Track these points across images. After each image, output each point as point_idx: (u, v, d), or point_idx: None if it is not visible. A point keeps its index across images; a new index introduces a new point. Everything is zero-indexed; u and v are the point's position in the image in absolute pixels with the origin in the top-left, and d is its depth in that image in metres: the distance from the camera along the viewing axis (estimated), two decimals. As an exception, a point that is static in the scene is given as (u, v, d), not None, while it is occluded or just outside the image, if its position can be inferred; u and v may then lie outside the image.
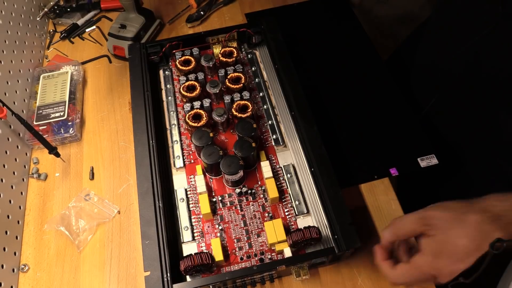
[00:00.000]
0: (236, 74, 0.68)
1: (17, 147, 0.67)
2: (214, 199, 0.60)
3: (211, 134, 0.60)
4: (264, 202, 0.60)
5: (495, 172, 0.62)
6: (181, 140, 0.66)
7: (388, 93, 0.74)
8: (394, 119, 0.71)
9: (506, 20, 0.49)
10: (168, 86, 0.73)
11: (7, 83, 0.69)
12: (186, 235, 0.57)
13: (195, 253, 0.50)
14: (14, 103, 0.69)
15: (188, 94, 0.66)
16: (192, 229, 0.58)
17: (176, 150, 0.65)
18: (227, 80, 0.67)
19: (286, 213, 0.59)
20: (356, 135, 0.69)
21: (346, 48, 0.82)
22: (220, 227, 0.58)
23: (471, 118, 0.63)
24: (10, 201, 0.61)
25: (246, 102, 0.64)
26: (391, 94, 0.74)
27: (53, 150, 0.64)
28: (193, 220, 0.58)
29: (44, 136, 0.64)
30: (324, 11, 0.88)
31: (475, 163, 0.65)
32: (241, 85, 0.67)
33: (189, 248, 0.57)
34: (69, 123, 0.71)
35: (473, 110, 0.61)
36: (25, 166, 0.68)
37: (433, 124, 0.70)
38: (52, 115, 0.71)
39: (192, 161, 0.64)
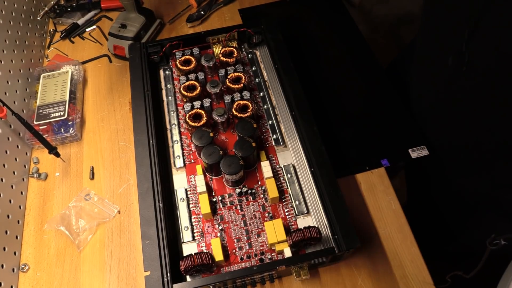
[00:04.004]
0: (236, 74, 0.68)
1: (17, 146, 0.67)
2: (214, 199, 0.60)
3: (211, 134, 0.60)
4: (264, 202, 0.60)
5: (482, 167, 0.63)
6: (181, 140, 0.66)
7: (381, 88, 0.76)
8: (386, 112, 0.73)
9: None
10: (168, 85, 0.73)
11: (7, 82, 0.69)
12: (186, 235, 0.57)
13: (195, 253, 0.50)
14: (14, 102, 0.69)
15: (188, 94, 0.66)
16: (192, 229, 0.58)
17: (176, 150, 0.65)
18: (227, 80, 0.67)
19: (286, 213, 0.59)
20: (350, 128, 0.71)
21: (339, 44, 0.83)
22: (220, 227, 0.58)
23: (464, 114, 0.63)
24: (10, 201, 0.61)
25: (246, 102, 0.64)
26: (384, 89, 0.76)
27: (53, 150, 0.64)
28: (193, 220, 0.58)
29: (44, 136, 0.64)
30: (316, 6, 0.90)
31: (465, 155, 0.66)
32: (241, 85, 0.67)
33: (189, 248, 0.57)
34: (69, 123, 0.71)
35: (465, 105, 0.62)
36: (25, 166, 0.68)
37: (425, 116, 0.71)
38: (52, 115, 0.71)
39: (192, 161, 0.64)
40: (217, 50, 0.73)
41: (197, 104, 0.66)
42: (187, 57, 0.70)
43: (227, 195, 0.60)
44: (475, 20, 0.51)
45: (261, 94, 0.71)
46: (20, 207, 0.64)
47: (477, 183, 0.66)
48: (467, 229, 0.75)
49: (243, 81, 0.67)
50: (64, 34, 0.87)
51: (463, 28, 0.53)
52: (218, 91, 0.66)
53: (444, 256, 0.85)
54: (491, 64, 0.53)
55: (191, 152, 0.65)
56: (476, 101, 0.58)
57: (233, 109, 0.64)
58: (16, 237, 0.61)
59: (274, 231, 0.54)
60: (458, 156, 0.66)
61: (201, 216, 0.58)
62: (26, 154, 0.69)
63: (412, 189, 0.92)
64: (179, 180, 0.62)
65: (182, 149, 0.65)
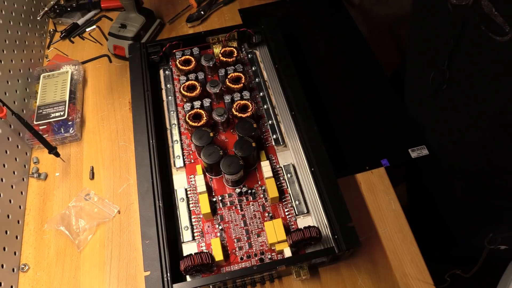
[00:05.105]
0: (236, 73, 0.68)
1: (17, 146, 0.67)
2: (214, 199, 0.60)
3: (211, 134, 0.60)
4: (264, 202, 0.60)
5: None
6: (181, 140, 0.66)
7: (381, 88, 0.76)
8: (386, 112, 0.73)
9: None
10: (168, 85, 0.73)
11: (7, 82, 0.69)
12: (186, 235, 0.57)
13: (195, 253, 0.50)
14: (14, 102, 0.69)
15: (188, 94, 0.66)
16: (192, 229, 0.58)
17: (176, 150, 0.65)
18: (227, 79, 0.67)
19: (286, 213, 0.59)
20: (350, 128, 0.71)
21: (339, 44, 0.83)
22: (220, 227, 0.58)
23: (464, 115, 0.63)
24: (10, 201, 0.61)
25: (246, 102, 0.64)
26: (384, 88, 0.76)
27: (52, 150, 0.64)
28: (193, 220, 0.58)
29: (44, 136, 0.64)
30: (316, 6, 0.90)
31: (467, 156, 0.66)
32: (241, 84, 0.67)
33: (189, 248, 0.57)
34: (69, 123, 0.71)
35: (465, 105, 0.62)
36: (25, 166, 0.68)
37: (423, 116, 0.71)
38: (52, 115, 0.71)
39: (192, 161, 0.64)
40: (217, 50, 0.73)
41: (197, 104, 0.66)
42: (187, 57, 0.70)
43: (227, 195, 0.60)
44: (455, 39, 0.51)
45: (261, 94, 0.71)
46: (20, 207, 0.64)
47: (476, 190, 0.66)
48: (469, 235, 0.75)
49: (243, 81, 0.67)
50: (64, 34, 0.87)
51: (445, 46, 0.53)
52: (218, 91, 0.66)
53: (446, 260, 0.85)
54: (470, 83, 0.53)
55: (191, 152, 0.65)
56: (460, 113, 0.59)
57: (233, 109, 0.64)
58: (16, 237, 0.61)
59: (274, 231, 0.54)
60: (457, 161, 0.66)
61: (201, 216, 0.58)
62: (26, 154, 0.69)
63: (412, 191, 0.92)
64: (179, 180, 0.62)
65: (182, 149, 0.65)
